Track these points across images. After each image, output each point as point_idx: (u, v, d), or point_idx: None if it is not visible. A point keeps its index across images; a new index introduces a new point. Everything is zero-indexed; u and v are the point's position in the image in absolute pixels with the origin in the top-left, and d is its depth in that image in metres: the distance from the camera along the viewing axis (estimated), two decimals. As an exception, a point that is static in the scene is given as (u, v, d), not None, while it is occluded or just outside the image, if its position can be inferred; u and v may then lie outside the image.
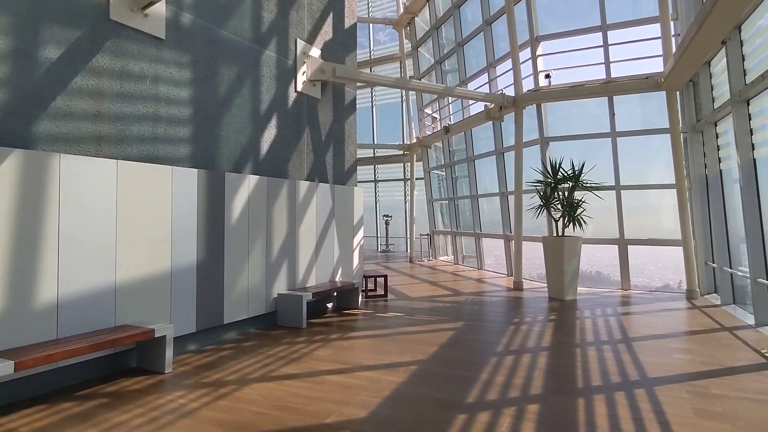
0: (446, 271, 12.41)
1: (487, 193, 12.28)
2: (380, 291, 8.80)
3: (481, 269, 12.71)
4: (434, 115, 14.60)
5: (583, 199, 8.19)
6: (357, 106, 8.73)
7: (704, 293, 8.33)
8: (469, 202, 13.16)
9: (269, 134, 6.49)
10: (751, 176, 6.05)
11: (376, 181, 20.55)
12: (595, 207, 8.45)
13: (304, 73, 7.15)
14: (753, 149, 6.08)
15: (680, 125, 8.15)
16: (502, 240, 11.43)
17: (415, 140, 15.01)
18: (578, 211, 8.19)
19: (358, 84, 10.54)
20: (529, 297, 8.38)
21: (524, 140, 9.74)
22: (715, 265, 8.20)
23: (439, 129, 13.58)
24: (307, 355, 4.95)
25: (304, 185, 6.95)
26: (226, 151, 5.78)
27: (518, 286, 9.30)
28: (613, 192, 8.93)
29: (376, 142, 19.07)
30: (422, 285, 10.04)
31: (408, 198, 15.72)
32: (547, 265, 8.40)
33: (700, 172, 8.40)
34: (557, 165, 8.16)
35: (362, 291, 8.61)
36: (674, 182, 8.46)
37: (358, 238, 8.36)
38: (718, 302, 7.58)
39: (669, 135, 8.43)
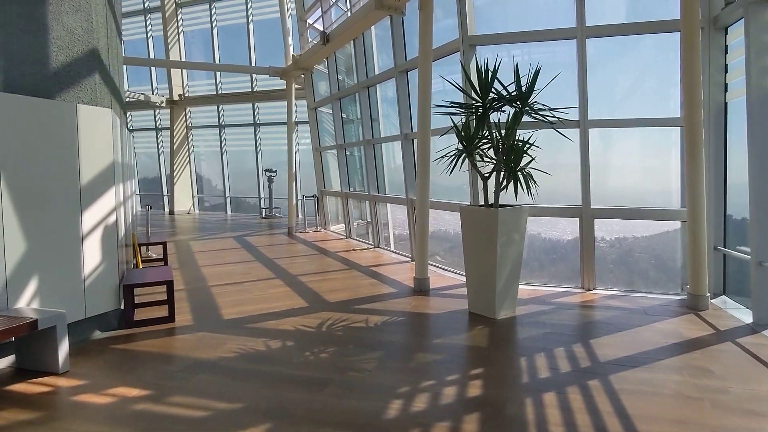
0: (325, 252, 8.51)
1: (387, 137, 8.37)
2: (164, 310, 4.72)
3: (378, 247, 8.95)
4: (317, 25, 10.19)
5: (531, 141, 4.51)
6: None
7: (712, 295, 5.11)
8: (362, 152, 9.19)
9: None
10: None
11: (256, 124, 15.94)
12: (544, 160, 4.82)
13: None
14: None
15: (698, 15, 4.55)
16: (405, 206, 7.67)
17: (291, 62, 10.59)
18: (524, 162, 4.51)
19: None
20: (437, 314, 4.70)
21: (435, 46, 5.83)
22: (726, 251, 5.00)
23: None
24: None
25: None
26: None
27: (421, 288, 5.61)
28: (576, 131, 5.34)
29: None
30: (267, 285, 6.07)
31: (293, 146, 11.45)
32: (468, 257, 4.72)
33: (718, 98, 4.99)
34: (490, 73, 4.31)
35: (124, 310, 4.50)
36: (679, 115, 5.02)
37: (101, 210, 4.13)
38: (746, 317, 4.34)
39: (673, 34, 4.89)
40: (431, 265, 6.79)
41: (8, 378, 3.29)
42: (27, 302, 3.55)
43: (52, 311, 3.38)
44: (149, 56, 17.63)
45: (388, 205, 8.85)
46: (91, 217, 4.07)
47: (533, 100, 4.27)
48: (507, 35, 5.55)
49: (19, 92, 3.61)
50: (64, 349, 3.36)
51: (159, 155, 18.76)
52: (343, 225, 10.87)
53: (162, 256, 7.56)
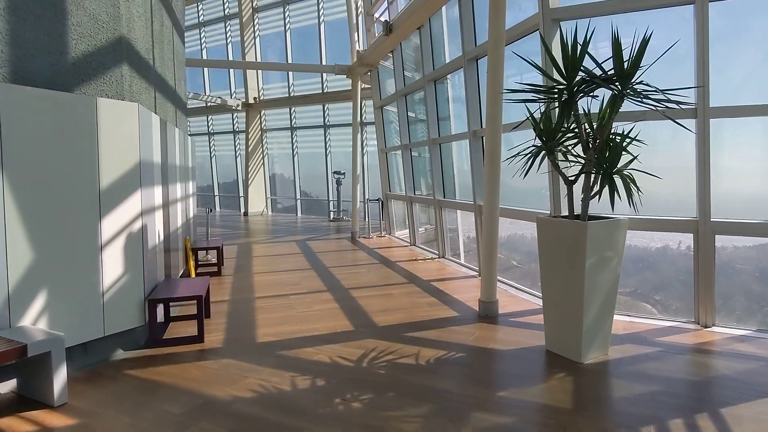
0: (385, 261, 7.81)
1: (453, 135, 7.51)
2: (194, 327, 4.26)
3: (444, 257, 8.10)
4: (383, 18, 9.54)
5: (631, 134, 3.47)
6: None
7: None
8: (428, 153, 8.38)
9: None
10: None
11: (325, 126, 15.68)
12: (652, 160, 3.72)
13: None
14: None
15: None
16: (473, 213, 6.76)
17: (356, 59, 10.03)
18: (622, 162, 3.48)
19: None
20: (504, 352, 3.80)
21: (509, 26, 4.91)
22: None
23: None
24: None
25: None
26: None
27: (488, 312, 4.71)
28: (692, 123, 4.17)
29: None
30: (315, 300, 5.47)
31: (358, 147, 10.94)
32: (546, 281, 3.77)
33: None
34: (579, 46, 3.33)
35: (150, 327, 4.09)
36: None
37: (124, 216, 3.73)
38: None
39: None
40: (501, 281, 5.84)
41: (3, 406, 2.92)
42: (33, 320, 3.18)
43: (49, 334, 2.96)
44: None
45: (458, 211, 7.97)
46: (112, 223, 3.67)
47: (637, 80, 3.24)
48: (600, 5, 4.49)
49: (34, 84, 3.27)
50: (60, 378, 2.93)
51: (236, 158, 19.23)
52: (406, 230, 10.12)
53: (217, 260, 7.27)
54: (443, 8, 7.11)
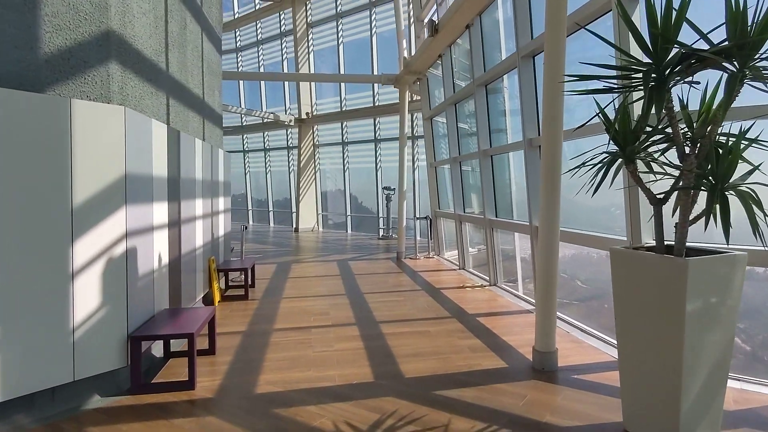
0: (428, 288, 6.92)
1: (506, 145, 6.56)
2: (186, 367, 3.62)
3: (495, 285, 7.10)
4: (433, 18, 8.78)
5: (749, 135, 2.45)
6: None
7: None
8: (479, 166, 7.46)
9: None
10: None
11: (376, 140, 15.11)
12: None
13: None
14: None
15: None
16: (529, 236, 5.76)
17: (402, 67, 9.34)
18: (737, 174, 2.45)
19: None
20: (566, 428, 2.83)
21: (571, 10, 4.00)
22: None
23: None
24: None
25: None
26: None
27: (544, 365, 3.72)
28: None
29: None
30: (337, 336, 4.70)
31: (405, 161, 10.19)
32: (625, 333, 2.77)
33: None
34: (674, 12, 2.38)
35: (132, 369, 3.49)
36: None
37: (104, 238, 3.17)
38: None
39: None
40: (561, 319, 4.81)
41: None
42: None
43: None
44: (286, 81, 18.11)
45: (502, 232, 6.97)
46: (87, 246, 3.13)
47: (764, 54, 2.24)
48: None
49: (-4, 86, 2.81)
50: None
51: (289, 173, 19.15)
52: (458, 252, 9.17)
53: (244, 283, 6.72)
54: (498, 1, 6.25)
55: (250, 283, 7.16)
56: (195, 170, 5.37)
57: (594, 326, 4.64)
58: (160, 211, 4.13)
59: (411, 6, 10.20)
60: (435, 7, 8.57)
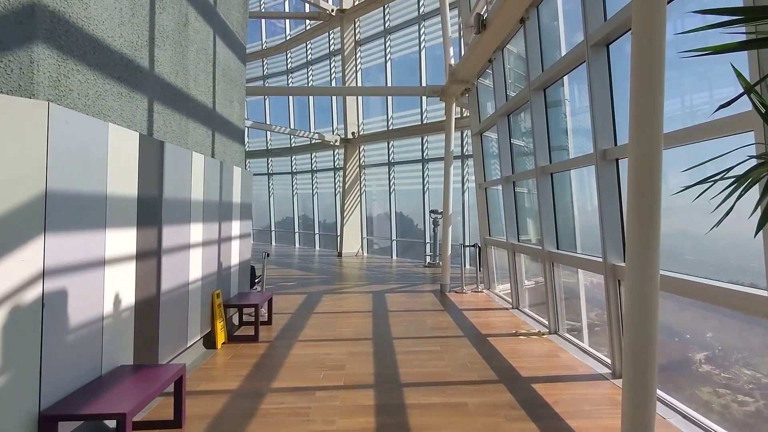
0: (472, 333, 5.67)
1: (570, 160, 5.29)
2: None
3: (556, 333, 5.74)
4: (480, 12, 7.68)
5: None
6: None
7: None
8: (534, 187, 6.19)
9: None
10: None
11: (424, 160, 14.08)
12: None
13: None
14: None
15: None
16: (603, 277, 4.42)
17: (448, 77, 8.29)
18: None
19: None
20: None
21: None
22: None
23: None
24: None
25: None
26: None
27: (637, 484, 2.42)
28: None
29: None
30: (345, 406, 3.60)
31: (450, 181, 9.06)
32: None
33: None
34: None
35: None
36: None
37: (9, 277, 2.32)
38: None
39: None
40: (663, 402, 3.45)
41: None
42: None
43: None
44: (333, 101, 17.65)
45: (580, 270, 5.62)
46: (-19, 292, 2.28)
47: None
48: None
49: None
50: None
51: (335, 195, 18.51)
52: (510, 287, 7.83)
53: (255, 321, 5.79)
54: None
55: (266, 319, 6.26)
56: (190, 189, 4.55)
57: (715, 417, 3.23)
58: (120, 239, 3.28)
59: (460, 12, 9.22)
60: (486, 6, 7.52)
